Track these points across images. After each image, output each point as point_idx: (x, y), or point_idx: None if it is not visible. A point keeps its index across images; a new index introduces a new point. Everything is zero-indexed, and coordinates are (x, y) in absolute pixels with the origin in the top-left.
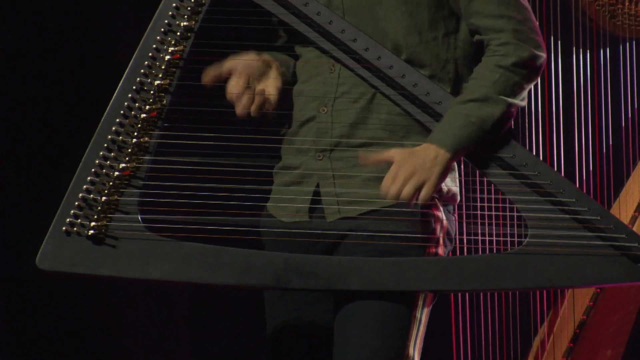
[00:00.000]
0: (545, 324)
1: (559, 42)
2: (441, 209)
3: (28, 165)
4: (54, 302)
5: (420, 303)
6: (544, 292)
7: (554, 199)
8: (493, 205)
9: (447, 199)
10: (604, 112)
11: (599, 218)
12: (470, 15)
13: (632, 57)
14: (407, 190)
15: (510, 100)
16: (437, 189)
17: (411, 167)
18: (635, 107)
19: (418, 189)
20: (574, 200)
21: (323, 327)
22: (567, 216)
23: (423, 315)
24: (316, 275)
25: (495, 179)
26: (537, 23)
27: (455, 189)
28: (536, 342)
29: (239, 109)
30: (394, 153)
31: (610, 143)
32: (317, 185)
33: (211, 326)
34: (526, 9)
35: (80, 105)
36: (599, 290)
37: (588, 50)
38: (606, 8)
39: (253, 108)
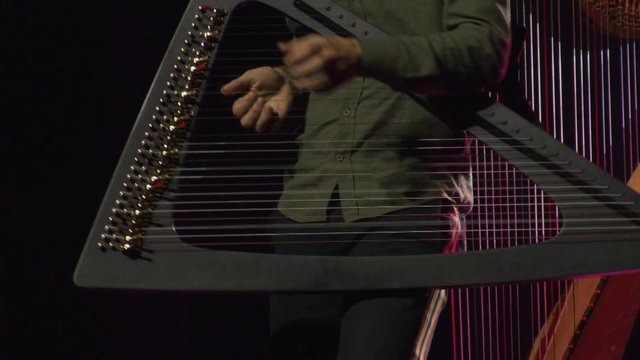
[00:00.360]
0: (546, 325)
1: (559, 42)
2: (457, 214)
3: (28, 165)
4: (54, 302)
5: (432, 305)
6: (544, 293)
7: (587, 186)
8: (526, 196)
9: (462, 206)
10: (604, 113)
11: (632, 203)
12: (449, 17)
13: (632, 59)
14: (325, 76)
15: (443, 74)
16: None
17: (335, 52)
18: (636, 108)
19: (330, 77)
20: (607, 187)
21: (326, 330)
22: (601, 203)
23: (433, 318)
24: (355, 276)
25: (527, 171)
26: (507, 57)
27: (471, 197)
28: (536, 343)
29: (244, 121)
30: (319, 39)
31: (611, 144)
32: (336, 187)
33: (211, 326)
34: (507, 28)
35: (80, 105)
36: (599, 291)
37: (588, 51)
38: (606, 9)
39: (258, 124)
